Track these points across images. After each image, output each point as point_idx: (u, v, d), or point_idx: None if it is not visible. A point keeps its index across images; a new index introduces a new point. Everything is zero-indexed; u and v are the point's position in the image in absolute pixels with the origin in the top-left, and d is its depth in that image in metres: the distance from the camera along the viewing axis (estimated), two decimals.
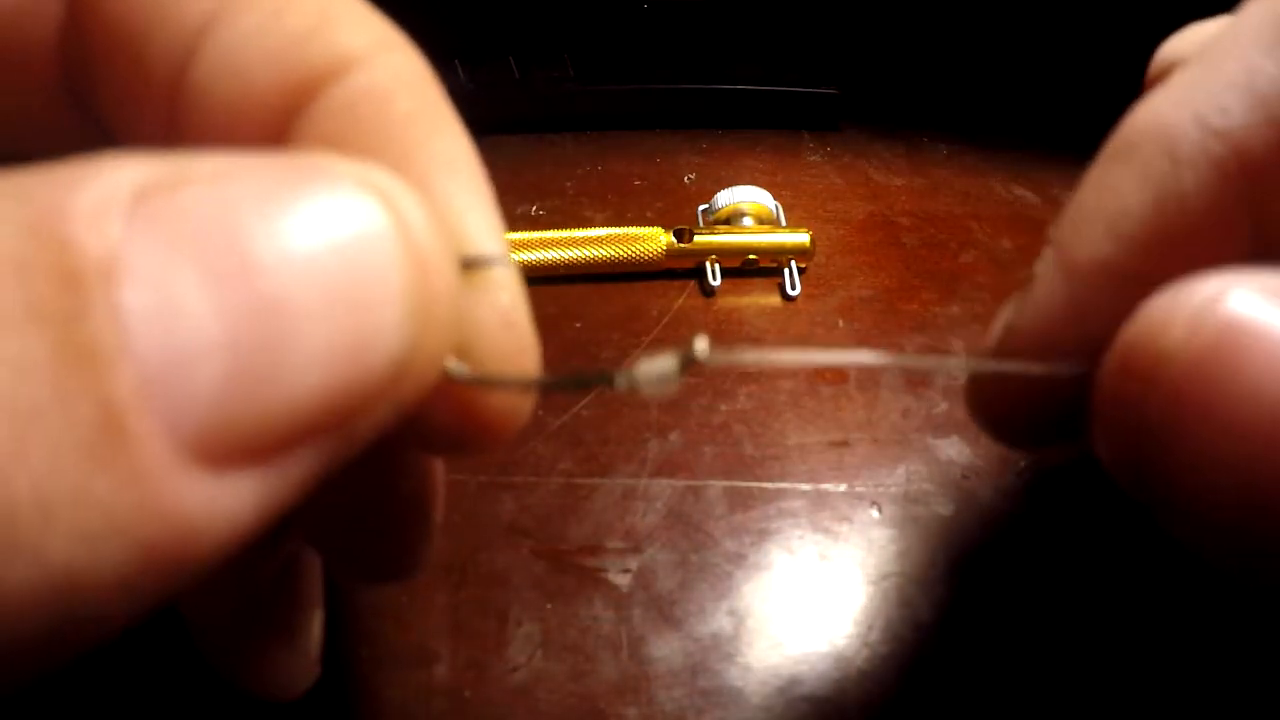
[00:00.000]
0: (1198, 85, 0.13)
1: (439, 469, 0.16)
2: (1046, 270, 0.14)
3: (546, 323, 0.31)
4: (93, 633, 0.08)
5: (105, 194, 0.08)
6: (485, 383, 0.12)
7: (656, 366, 0.11)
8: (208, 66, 0.12)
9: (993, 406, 0.16)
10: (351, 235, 0.09)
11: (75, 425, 0.07)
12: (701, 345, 0.11)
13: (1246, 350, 0.11)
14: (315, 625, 0.18)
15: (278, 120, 0.12)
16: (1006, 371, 0.15)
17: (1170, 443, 0.11)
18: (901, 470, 0.28)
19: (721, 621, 0.25)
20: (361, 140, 0.11)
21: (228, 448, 0.08)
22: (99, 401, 0.07)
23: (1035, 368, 0.14)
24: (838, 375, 0.31)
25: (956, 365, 0.29)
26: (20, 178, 0.08)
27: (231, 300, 0.08)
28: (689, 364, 0.11)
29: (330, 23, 0.12)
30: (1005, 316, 0.15)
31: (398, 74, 0.12)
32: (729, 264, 0.34)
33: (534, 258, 0.33)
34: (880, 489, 0.28)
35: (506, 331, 0.12)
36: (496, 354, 0.12)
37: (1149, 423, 0.12)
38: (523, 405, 0.13)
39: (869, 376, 0.31)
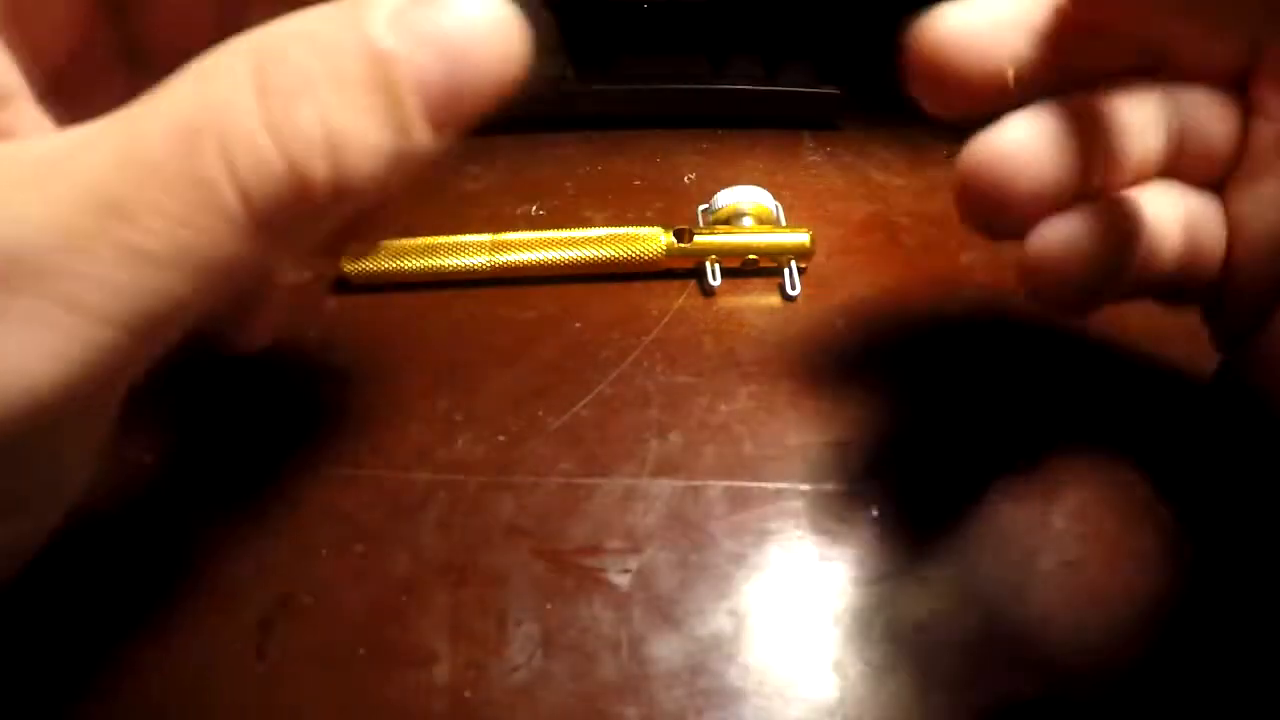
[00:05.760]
0: None
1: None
2: None
3: (546, 323, 0.32)
4: (360, 196, 0.14)
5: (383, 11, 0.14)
6: None
7: None
8: None
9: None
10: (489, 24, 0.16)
11: (369, 102, 0.14)
12: None
13: None
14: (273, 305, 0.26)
15: None
16: None
17: None
18: (901, 470, 0.28)
19: (721, 621, 0.25)
20: None
21: (440, 118, 0.15)
22: (391, 96, 0.14)
23: None
24: (838, 375, 0.31)
25: None
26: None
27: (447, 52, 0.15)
28: None
29: None
30: None
31: None
32: (729, 264, 0.34)
33: (534, 258, 0.33)
34: (880, 489, 0.28)
35: None
36: None
37: None
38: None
39: (869, 377, 0.31)
